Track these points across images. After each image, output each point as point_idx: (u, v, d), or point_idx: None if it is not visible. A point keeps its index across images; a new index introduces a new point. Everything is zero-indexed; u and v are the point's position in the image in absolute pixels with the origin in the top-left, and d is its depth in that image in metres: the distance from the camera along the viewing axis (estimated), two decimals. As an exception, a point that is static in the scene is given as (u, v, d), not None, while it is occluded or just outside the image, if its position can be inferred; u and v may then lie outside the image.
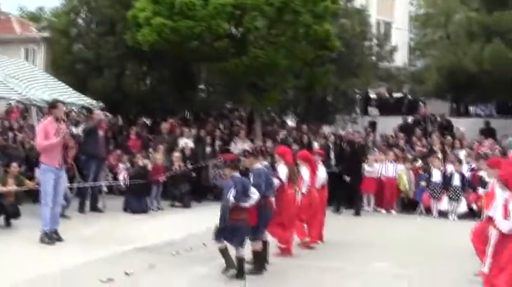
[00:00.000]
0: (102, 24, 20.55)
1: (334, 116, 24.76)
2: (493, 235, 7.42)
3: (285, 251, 10.89)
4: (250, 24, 18.23)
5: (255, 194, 9.15)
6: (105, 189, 16.47)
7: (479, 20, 21.85)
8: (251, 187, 9.14)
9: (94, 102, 16.32)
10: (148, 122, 22.45)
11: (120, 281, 8.69)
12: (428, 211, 17.39)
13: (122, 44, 18.98)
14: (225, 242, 9.03)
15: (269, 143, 18.48)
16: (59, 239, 11.21)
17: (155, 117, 22.22)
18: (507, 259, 7.28)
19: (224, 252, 9.06)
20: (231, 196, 8.81)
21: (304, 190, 11.49)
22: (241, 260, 9.03)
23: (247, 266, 9.27)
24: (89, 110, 17.16)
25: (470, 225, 13.97)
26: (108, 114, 15.65)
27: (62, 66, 19.97)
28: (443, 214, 17.04)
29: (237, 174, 9.13)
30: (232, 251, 9.04)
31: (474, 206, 16.51)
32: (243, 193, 8.98)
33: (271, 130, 20.89)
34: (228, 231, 8.92)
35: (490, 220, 8.01)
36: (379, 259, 10.81)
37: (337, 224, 13.44)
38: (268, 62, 18.04)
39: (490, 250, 7.38)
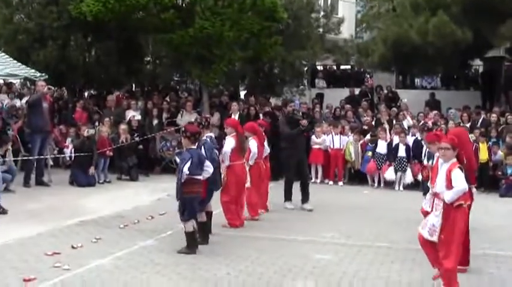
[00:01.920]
0: (44, -7, 20.07)
1: (281, 88, 24.82)
2: (438, 206, 7.53)
3: (233, 225, 10.96)
4: (197, -6, 18.12)
5: (209, 167, 9.18)
6: (51, 163, 16.25)
7: (425, -8, 22.08)
8: (206, 160, 9.16)
9: (37, 74, 16.01)
10: (93, 93, 22.19)
11: (66, 254, 8.64)
12: (373, 180, 17.65)
13: (66, 14, 18.60)
14: (194, 223, 9.00)
15: (216, 116, 18.47)
16: (3, 212, 11.08)
17: (101, 89, 21.94)
18: (452, 230, 7.40)
19: (191, 236, 8.98)
20: (185, 168, 8.79)
21: (251, 162, 11.57)
22: (193, 233, 9.05)
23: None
24: (33, 82, 16.84)
25: (416, 195, 14.46)
26: (51, 87, 15.32)
27: (2, 37, 19.47)
28: (389, 184, 17.33)
29: (194, 146, 9.10)
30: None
31: (419, 177, 16.83)
32: (198, 166, 8.96)
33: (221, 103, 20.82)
34: (181, 204, 8.93)
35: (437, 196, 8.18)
36: (327, 229, 10.97)
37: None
38: (214, 34, 17.94)
39: (438, 223, 7.47)
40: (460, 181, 7.31)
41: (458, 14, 20.88)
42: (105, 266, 8.27)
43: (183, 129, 9.43)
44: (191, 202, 8.93)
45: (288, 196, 13.24)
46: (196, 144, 9.21)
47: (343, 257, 9.22)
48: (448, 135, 8.26)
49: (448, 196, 7.35)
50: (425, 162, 11.69)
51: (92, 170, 15.36)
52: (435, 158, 8.88)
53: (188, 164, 8.77)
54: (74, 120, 18.58)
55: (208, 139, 9.85)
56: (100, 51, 20.54)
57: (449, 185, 7.38)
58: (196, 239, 9.06)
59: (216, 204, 10.44)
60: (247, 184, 11.30)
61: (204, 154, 9.35)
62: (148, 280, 7.71)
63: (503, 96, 23.72)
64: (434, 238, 7.44)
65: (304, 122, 13.02)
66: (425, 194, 11.06)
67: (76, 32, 19.59)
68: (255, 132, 11.84)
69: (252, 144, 11.62)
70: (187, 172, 8.77)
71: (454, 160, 7.49)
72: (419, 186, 15.83)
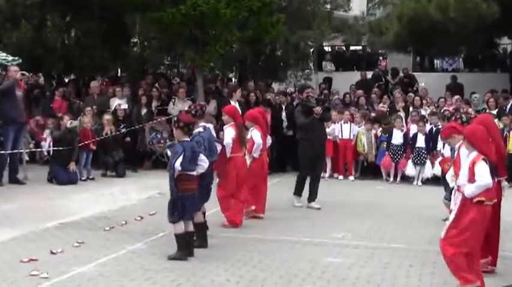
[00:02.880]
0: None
1: (284, 72, 24.80)
2: (458, 199, 7.55)
3: (233, 223, 10.96)
4: (189, -33, 18.03)
5: (204, 162, 9.13)
6: (26, 158, 16.22)
7: (444, -38, 22.00)
8: (201, 154, 9.11)
9: (10, 58, 15.96)
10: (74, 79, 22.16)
11: (45, 261, 8.59)
12: (389, 175, 17.63)
13: (42, -10, 18.59)
14: (182, 224, 8.91)
15: (213, 104, 18.42)
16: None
17: (83, 75, 21.90)
18: (467, 225, 7.41)
19: (181, 238, 8.88)
20: (177, 163, 8.74)
21: (256, 154, 11.55)
22: (191, 234, 9.05)
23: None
24: (5, 68, 16.79)
25: (436, 191, 14.44)
26: (25, 73, 15.27)
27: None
28: (406, 179, 17.32)
29: (187, 139, 9.04)
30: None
31: (437, 169, 16.77)
32: (192, 160, 8.90)
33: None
34: (172, 202, 8.87)
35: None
36: (336, 230, 10.95)
37: (290, 193, 13.53)
38: (209, 12, 17.87)
39: (452, 214, 7.52)
40: (483, 175, 7.30)
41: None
42: (89, 273, 8.21)
43: (175, 119, 9.36)
44: (183, 201, 8.87)
45: (298, 191, 13.28)
46: (190, 136, 9.16)
47: (356, 260, 9.18)
48: (472, 123, 8.25)
49: (469, 189, 7.36)
50: (446, 154, 11.62)
51: (72, 165, 15.34)
52: (456, 151, 8.91)
53: (180, 159, 8.71)
54: (52, 110, 18.55)
55: (202, 130, 9.79)
56: (80, 32, 20.53)
57: (472, 179, 7.37)
58: (189, 243, 9.01)
59: (211, 203, 10.38)
60: None
61: (198, 146, 9.31)
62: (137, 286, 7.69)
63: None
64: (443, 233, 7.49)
65: (318, 109, 12.88)
66: (446, 189, 11.13)
67: (53, 10, 19.56)
68: (257, 122, 11.81)
69: (255, 134, 11.60)
70: (180, 168, 8.72)
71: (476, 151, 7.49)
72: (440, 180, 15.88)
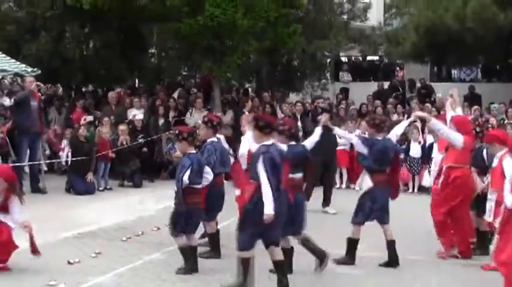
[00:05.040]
0: (35, -22, 20.18)
1: (301, 82, 24.78)
2: (501, 211, 7.58)
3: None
4: (206, -22, 18.12)
5: (209, 175, 9.10)
6: (44, 168, 16.29)
7: (462, -28, 21.98)
8: (206, 166, 9.08)
9: (29, 69, 16.07)
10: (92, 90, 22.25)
11: (62, 271, 8.64)
12: (407, 186, 17.53)
13: (60, 2, 18.67)
14: (184, 237, 8.86)
15: (230, 114, 18.46)
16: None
17: (101, 86, 22.00)
18: (509, 238, 7.43)
19: (185, 250, 8.84)
20: (186, 176, 8.69)
21: None
22: (194, 249, 9.00)
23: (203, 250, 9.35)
24: (23, 79, 16.95)
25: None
26: (40, 84, 15.35)
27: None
28: (424, 190, 17.21)
29: (192, 150, 9.00)
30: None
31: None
32: (198, 173, 8.86)
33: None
34: (183, 217, 8.83)
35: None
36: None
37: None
38: (226, 22, 17.93)
39: (497, 227, 7.53)
40: None
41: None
42: (106, 284, 8.27)
43: (176, 132, 9.22)
44: (189, 215, 8.81)
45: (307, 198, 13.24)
46: (195, 147, 9.10)
47: (370, 271, 9.17)
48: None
49: (509, 200, 7.35)
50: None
51: (90, 176, 15.41)
52: (495, 160, 8.99)
53: (188, 172, 8.65)
54: (71, 121, 18.61)
55: (215, 140, 9.75)
56: (98, 43, 20.60)
57: None
58: (194, 255, 8.96)
59: (226, 213, 10.34)
60: None
61: (209, 155, 9.29)
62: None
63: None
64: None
65: (321, 117, 12.89)
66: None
67: (72, 22, 19.66)
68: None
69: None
70: (187, 181, 8.67)
71: None
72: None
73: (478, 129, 11.37)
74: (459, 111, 10.89)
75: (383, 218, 9.68)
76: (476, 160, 10.36)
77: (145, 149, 17.53)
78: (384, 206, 9.65)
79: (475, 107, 20.05)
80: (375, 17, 32.90)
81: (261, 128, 7.88)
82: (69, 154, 16.22)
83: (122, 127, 17.05)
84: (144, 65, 22.47)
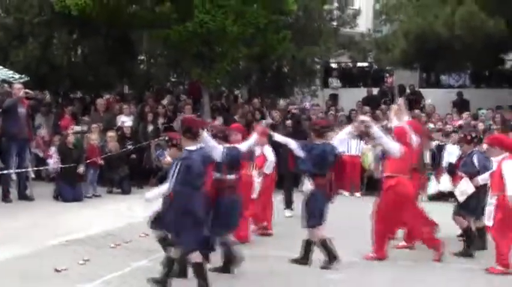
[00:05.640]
0: (23, -16, 20.12)
1: (291, 88, 24.80)
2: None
3: (241, 238, 10.91)
4: (195, -15, 18.14)
5: None
6: (32, 175, 16.21)
7: (451, -20, 22.06)
8: None
9: (16, 75, 16.02)
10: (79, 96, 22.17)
11: (49, 278, 8.59)
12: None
13: (48, 8, 18.63)
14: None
15: (219, 120, 18.43)
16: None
17: (89, 92, 21.94)
18: None
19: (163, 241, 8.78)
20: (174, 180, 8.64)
21: (268, 171, 11.55)
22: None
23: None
24: (11, 85, 16.88)
25: (441, 207, 14.36)
26: (29, 91, 15.29)
27: (-24, 34, 19.52)
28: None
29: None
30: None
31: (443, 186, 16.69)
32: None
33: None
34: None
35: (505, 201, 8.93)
36: (341, 247, 10.85)
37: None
38: (216, 29, 17.96)
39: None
40: None
41: (489, 3, 20.80)
42: (94, 291, 8.23)
43: (166, 138, 9.19)
44: None
45: (288, 204, 13.82)
46: None
47: (356, 276, 9.23)
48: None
49: None
50: (458, 171, 11.62)
51: (81, 167, 15.37)
52: (495, 163, 9.32)
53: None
54: (59, 128, 18.54)
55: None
56: (87, 49, 20.55)
57: None
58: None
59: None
60: (254, 195, 11.29)
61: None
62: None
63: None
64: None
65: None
66: (462, 208, 11.16)
67: (60, 28, 19.61)
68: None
69: (268, 151, 11.57)
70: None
71: None
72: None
73: (473, 135, 11.41)
74: (406, 119, 10.99)
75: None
76: (466, 166, 10.45)
77: (134, 156, 17.51)
78: (322, 210, 9.82)
79: (467, 113, 20.14)
80: (364, 23, 33.02)
81: (183, 133, 8.15)
82: (58, 160, 16.11)
83: (111, 134, 17.02)
84: (133, 71, 22.44)
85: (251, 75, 24.27)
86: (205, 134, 8.65)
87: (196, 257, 7.97)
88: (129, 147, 17.23)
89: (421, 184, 11.82)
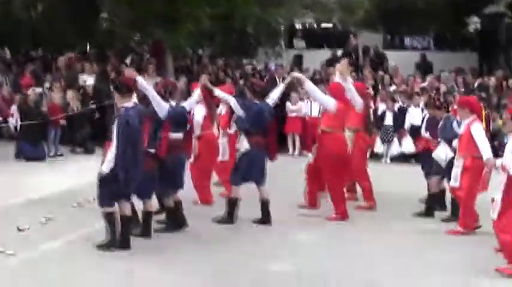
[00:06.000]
0: None
1: (255, 49, 24.73)
2: (503, 180, 7.76)
3: (206, 201, 10.96)
4: None
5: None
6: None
7: None
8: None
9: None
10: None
11: (11, 238, 8.56)
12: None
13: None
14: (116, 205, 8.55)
15: (183, 80, 18.33)
16: None
17: (50, 50, 21.64)
18: None
19: (111, 218, 8.47)
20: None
21: (232, 130, 11.34)
22: (148, 214, 8.96)
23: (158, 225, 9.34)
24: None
25: (405, 169, 14.61)
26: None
27: None
28: (373, 156, 17.36)
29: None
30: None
31: (405, 147, 16.91)
32: (154, 137, 8.80)
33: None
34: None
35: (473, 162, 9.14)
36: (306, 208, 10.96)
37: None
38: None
39: (500, 196, 7.71)
40: None
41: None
42: (57, 250, 8.22)
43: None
44: (147, 179, 8.69)
45: None
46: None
47: (323, 237, 9.35)
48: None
49: None
50: (423, 133, 11.75)
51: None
52: (463, 125, 9.42)
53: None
54: (20, 86, 18.31)
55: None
56: (47, 7, 20.22)
57: None
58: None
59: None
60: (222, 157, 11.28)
61: None
62: (106, 265, 7.67)
63: (503, 58, 23.86)
64: (494, 215, 7.76)
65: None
66: (423, 168, 11.32)
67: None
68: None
69: (236, 107, 11.40)
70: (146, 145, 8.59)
71: None
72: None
73: (442, 100, 11.57)
74: (350, 80, 11.11)
75: (259, 180, 9.93)
76: (445, 131, 10.51)
77: (97, 115, 17.36)
78: (260, 168, 9.91)
79: (432, 75, 20.31)
80: (329, -15, 32.90)
81: (118, 90, 8.24)
82: (18, 119, 15.92)
83: (71, 93, 16.82)
84: (95, 30, 22.14)
85: (215, 36, 24.11)
86: (151, 91, 8.75)
87: (125, 209, 8.28)
88: (92, 106, 17.08)
89: (368, 145, 12.13)
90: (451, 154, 10.21)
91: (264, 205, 9.96)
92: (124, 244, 8.23)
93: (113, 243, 8.15)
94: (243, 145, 9.81)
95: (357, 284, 7.40)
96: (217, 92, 10.23)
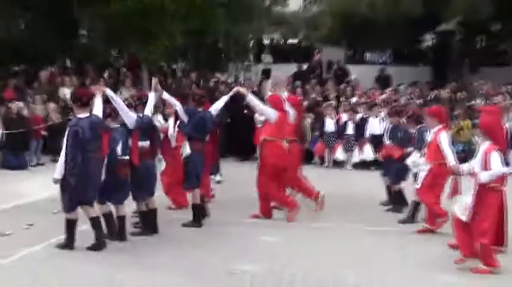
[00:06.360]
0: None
1: (226, 63, 24.80)
2: (473, 186, 7.89)
3: (179, 204, 10.97)
4: (134, -37, 17.96)
5: None
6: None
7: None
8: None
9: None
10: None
11: (-4, 242, 8.53)
12: (322, 160, 17.79)
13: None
14: (107, 204, 8.83)
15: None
16: None
17: (32, 65, 21.49)
18: (487, 209, 7.77)
19: (108, 217, 8.78)
20: (119, 149, 8.67)
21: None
22: (123, 218, 9.01)
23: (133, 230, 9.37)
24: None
25: (365, 174, 14.75)
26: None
27: None
28: (336, 164, 17.51)
29: (117, 124, 8.96)
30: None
31: (366, 155, 17.04)
32: (127, 145, 8.83)
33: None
34: (112, 188, 8.78)
35: (439, 169, 9.27)
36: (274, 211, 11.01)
37: (233, 177, 13.65)
38: (153, 6, 17.82)
39: (471, 200, 7.82)
40: (497, 164, 7.70)
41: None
42: (38, 253, 8.24)
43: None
44: (123, 185, 8.90)
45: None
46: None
47: (287, 238, 9.44)
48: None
49: (484, 177, 7.73)
50: (385, 141, 11.90)
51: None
52: (431, 133, 9.62)
53: (121, 145, 8.70)
54: (3, 100, 18.15)
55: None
56: (29, 22, 20.09)
57: (485, 167, 7.76)
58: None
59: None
60: None
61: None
62: (84, 268, 7.68)
63: (454, 72, 24.20)
64: (466, 218, 7.84)
65: None
66: (385, 175, 11.55)
67: (1, 1, 19.13)
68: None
69: None
70: (120, 154, 8.69)
71: (490, 141, 7.88)
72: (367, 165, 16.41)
73: (411, 112, 11.80)
74: (285, 93, 11.28)
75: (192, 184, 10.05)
76: (419, 142, 10.56)
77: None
78: (197, 173, 10.05)
79: (390, 88, 20.51)
80: (295, 2, 33.04)
81: (75, 102, 8.50)
82: (2, 131, 15.82)
83: (52, 105, 16.76)
84: (75, 45, 22.04)
85: (188, 51, 24.15)
86: (119, 103, 8.90)
87: (92, 212, 8.43)
88: (71, 117, 16.97)
89: (301, 154, 12.12)
90: (423, 161, 10.27)
91: (196, 208, 10.05)
92: (97, 246, 8.39)
93: (68, 244, 8.36)
94: (185, 149, 9.91)
95: (323, 280, 7.47)
96: (166, 96, 10.27)
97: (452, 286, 7.53)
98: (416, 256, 8.57)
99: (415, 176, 10.53)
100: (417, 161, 10.27)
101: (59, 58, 22.07)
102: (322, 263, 8.09)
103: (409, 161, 10.57)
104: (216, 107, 10.38)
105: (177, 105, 10.10)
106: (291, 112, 10.86)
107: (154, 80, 10.17)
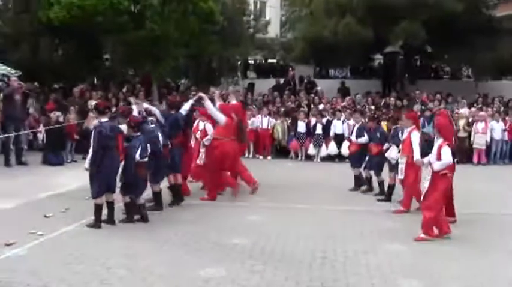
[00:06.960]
0: (18, 3, 19.63)
1: (219, 79, 24.83)
2: (429, 173, 8.13)
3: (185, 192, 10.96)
4: (147, 2, 18.06)
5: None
6: (25, 146, 15.88)
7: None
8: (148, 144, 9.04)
9: (13, 71, 15.71)
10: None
11: (40, 222, 8.63)
12: (296, 155, 17.93)
13: (35, 21, 18.24)
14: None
15: (164, 104, 18.36)
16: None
17: (67, 83, 21.50)
18: (440, 192, 8.01)
19: (131, 205, 8.85)
20: (137, 155, 8.67)
21: (207, 142, 10.98)
22: (143, 205, 9.08)
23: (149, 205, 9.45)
24: (8, 78, 16.51)
25: (331, 166, 14.87)
26: (21, 83, 15.13)
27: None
28: (308, 157, 17.64)
29: (138, 133, 8.91)
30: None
31: (331, 149, 17.18)
32: (145, 150, 8.84)
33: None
34: (134, 185, 8.82)
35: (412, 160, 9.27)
36: (258, 195, 11.09)
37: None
38: (162, 35, 17.92)
39: (427, 183, 8.10)
40: (447, 156, 7.95)
41: (362, 17, 21.35)
42: (72, 231, 8.32)
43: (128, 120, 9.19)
44: (141, 183, 8.92)
45: None
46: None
47: (270, 218, 9.47)
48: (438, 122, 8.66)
49: (437, 166, 7.96)
50: (353, 139, 12.02)
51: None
52: (406, 132, 9.71)
53: (139, 151, 8.69)
54: (45, 111, 18.16)
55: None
56: (65, 51, 20.17)
57: (438, 158, 7.98)
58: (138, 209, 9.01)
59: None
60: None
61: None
62: (108, 242, 7.81)
63: (399, 84, 24.40)
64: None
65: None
66: (353, 166, 11.83)
67: (45, 35, 19.22)
68: (208, 118, 11.57)
69: (209, 128, 11.11)
70: (139, 159, 8.71)
71: (442, 138, 8.11)
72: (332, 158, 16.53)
73: (376, 115, 11.99)
74: (234, 102, 11.45)
75: (177, 169, 10.19)
76: (394, 138, 10.68)
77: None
78: (178, 161, 10.17)
79: (348, 97, 20.68)
80: (273, 30, 33.14)
81: (96, 110, 8.89)
82: (44, 135, 15.84)
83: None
84: (100, 67, 22.09)
85: (188, 69, 24.24)
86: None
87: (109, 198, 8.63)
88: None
89: (241, 150, 12.14)
90: (398, 155, 10.23)
91: (174, 188, 10.15)
92: (111, 222, 8.67)
93: (95, 224, 8.49)
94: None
95: (297, 252, 7.53)
96: (146, 106, 10.51)
97: (401, 252, 7.63)
98: (373, 229, 8.69)
99: (392, 167, 10.60)
100: (393, 155, 10.39)
101: (88, 77, 22.09)
102: (298, 237, 8.19)
103: (387, 154, 10.67)
104: (185, 108, 10.46)
105: (156, 112, 10.24)
106: (235, 117, 10.96)
107: (133, 99, 10.51)
